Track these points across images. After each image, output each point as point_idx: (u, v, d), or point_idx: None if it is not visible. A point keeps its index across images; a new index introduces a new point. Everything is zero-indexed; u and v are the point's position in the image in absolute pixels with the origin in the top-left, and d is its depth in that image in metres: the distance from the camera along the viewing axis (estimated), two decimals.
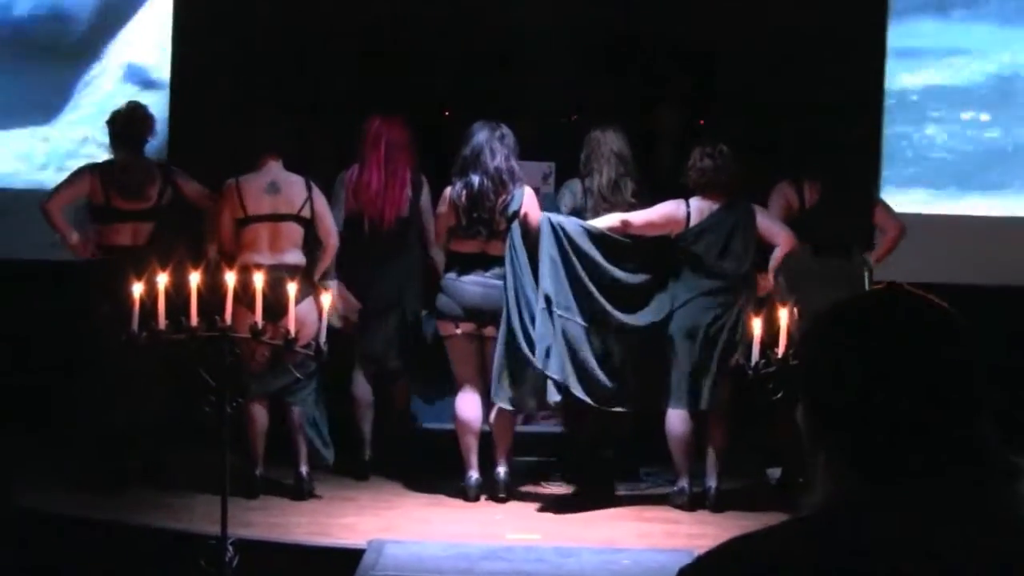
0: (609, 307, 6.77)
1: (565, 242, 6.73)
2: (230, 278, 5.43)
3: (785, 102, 8.33)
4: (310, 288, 6.50)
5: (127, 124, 7.12)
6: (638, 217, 6.85)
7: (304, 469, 6.87)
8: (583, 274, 6.75)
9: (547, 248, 6.71)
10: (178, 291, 5.42)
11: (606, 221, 6.83)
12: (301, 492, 6.82)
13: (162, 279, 5.32)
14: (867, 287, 6.31)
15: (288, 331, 5.36)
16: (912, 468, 1.47)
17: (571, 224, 6.81)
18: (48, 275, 7.60)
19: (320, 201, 6.93)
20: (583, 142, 7.20)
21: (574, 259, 6.75)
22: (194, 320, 5.24)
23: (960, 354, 1.51)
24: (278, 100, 8.26)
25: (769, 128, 8.25)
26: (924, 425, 1.48)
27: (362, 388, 7.31)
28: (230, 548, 5.18)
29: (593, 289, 6.76)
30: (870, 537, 1.44)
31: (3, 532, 5.93)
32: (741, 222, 6.82)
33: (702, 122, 8.87)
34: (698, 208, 6.87)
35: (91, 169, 7.17)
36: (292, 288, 5.58)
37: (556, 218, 6.83)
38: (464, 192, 6.86)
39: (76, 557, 5.90)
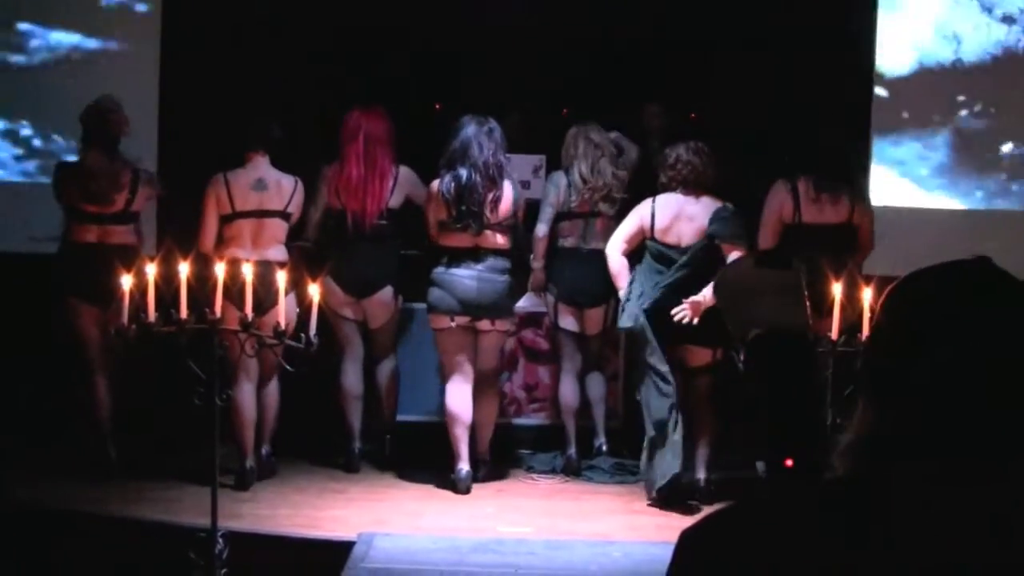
0: None
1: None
2: (219, 270, 5.43)
3: (777, 96, 8.35)
4: (292, 283, 6.48)
5: (99, 122, 7.03)
6: (620, 240, 6.86)
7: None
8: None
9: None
10: (168, 284, 5.41)
11: (620, 279, 6.86)
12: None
13: (151, 271, 5.31)
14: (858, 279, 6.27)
15: (279, 323, 5.35)
16: (970, 446, 1.44)
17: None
18: (24, 268, 7.62)
19: (299, 200, 7.03)
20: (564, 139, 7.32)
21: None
22: (184, 313, 5.23)
23: None
24: (268, 97, 8.26)
25: (759, 122, 8.26)
26: (992, 404, 1.44)
27: (352, 380, 7.31)
28: (220, 540, 5.17)
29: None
30: (904, 501, 1.42)
31: None
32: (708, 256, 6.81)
33: (694, 116, 8.88)
34: (664, 204, 6.83)
35: (60, 168, 7.17)
36: (282, 278, 5.56)
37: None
38: (452, 185, 6.86)
39: (65, 550, 5.89)
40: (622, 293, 6.83)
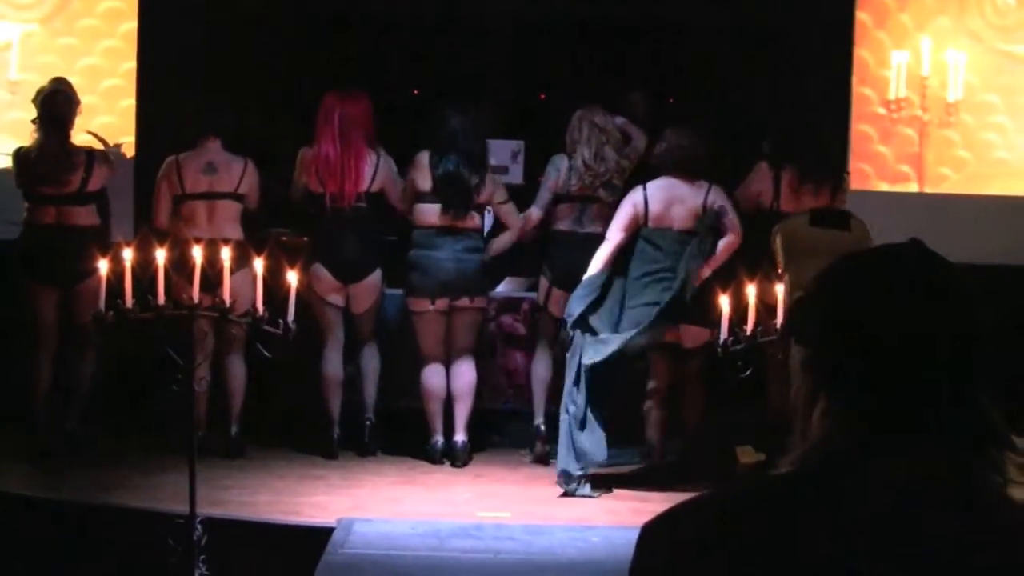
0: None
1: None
2: (197, 253, 5.41)
3: (756, 81, 8.36)
4: (246, 260, 6.42)
5: (51, 105, 7.08)
6: (613, 238, 6.84)
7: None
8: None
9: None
10: (143, 269, 5.39)
11: (598, 263, 6.82)
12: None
13: (127, 255, 5.29)
14: None
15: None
16: (912, 422, 1.44)
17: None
18: None
19: (250, 180, 7.20)
20: (567, 122, 7.27)
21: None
22: (161, 299, 5.21)
23: (971, 315, 1.47)
24: (246, 83, 8.25)
25: (738, 106, 8.26)
26: (931, 379, 1.44)
27: (332, 366, 7.31)
28: (199, 527, 5.15)
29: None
30: (864, 488, 1.42)
31: None
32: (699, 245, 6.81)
33: (671, 100, 8.89)
34: (655, 189, 6.85)
35: (16, 152, 7.19)
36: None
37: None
38: (441, 170, 7.03)
39: (42, 537, 5.87)
40: (587, 276, 6.79)
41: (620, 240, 6.83)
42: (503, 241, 7.44)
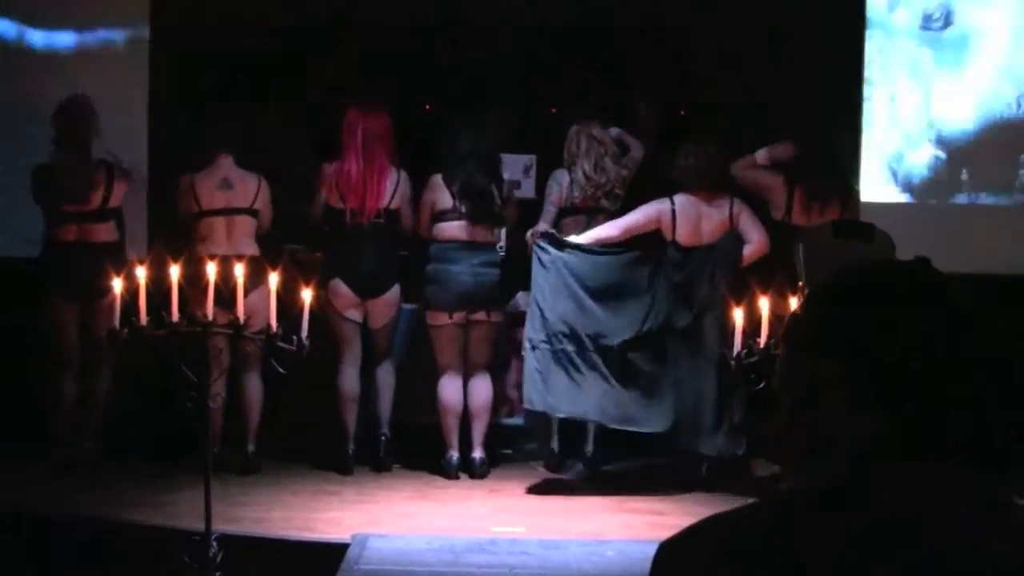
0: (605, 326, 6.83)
1: (559, 270, 6.79)
2: (212, 270, 5.42)
3: (767, 92, 8.35)
4: (262, 277, 6.41)
5: (70, 122, 7.14)
6: (618, 227, 6.90)
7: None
8: (581, 295, 6.83)
9: (539, 279, 6.82)
10: (157, 286, 5.40)
11: (588, 237, 6.87)
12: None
13: (141, 273, 5.30)
14: None
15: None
16: (917, 438, 1.44)
17: (558, 251, 6.88)
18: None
19: (264, 195, 7.27)
20: (566, 136, 7.32)
21: (571, 283, 6.82)
22: (175, 316, 5.21)
23: (973, 332, 1.46)
24: (257, 97, 8.27)
25: (749, 117, 8.25)
26: (934, 395, 1.43)
27: (349, 381, 7.32)
28: (214, 544, 5.16)
29: (594, 309, 6.81)
30: (867, 515, 1.42)
31: None
32: (721, 255, 6.84)
33: (683, 111, 8.89)
34: (683, 205, 6.94)
35: (36, 171, 7.22)
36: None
37: (545, 248, 6.88)
38: (459, 183, 7.12)
39: (60, 555, 5.88)
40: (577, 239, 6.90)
41: (620, 236, 6.92)
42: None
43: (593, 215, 7.33)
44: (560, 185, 7.37)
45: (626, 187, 7.39)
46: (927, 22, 8.35)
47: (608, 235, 6.94)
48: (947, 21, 8.34)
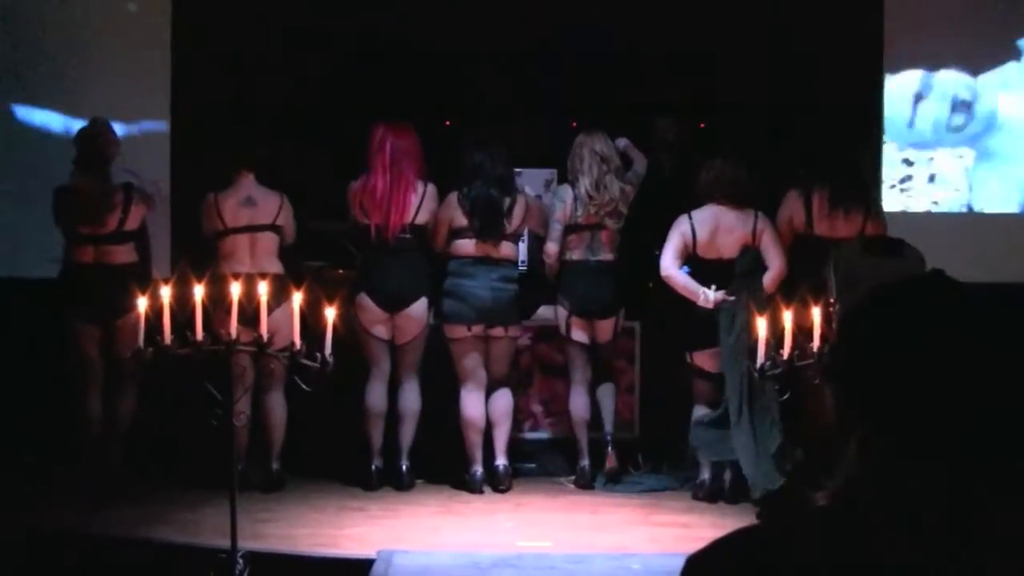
0: None
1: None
2: (235, 289, 5.45)
3: (785, 104, 8.35)
4: (286, 294, 6.43)
5: (90, 145, 7.21)
6: (671, 259, 6.97)
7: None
8: None
9: None
10: (181, 305, 5.42)
11: (682, 280, 6.97)
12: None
13: (166, 293, 5.32)
14: None
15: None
16: (946, 453, 1.44)
17: None
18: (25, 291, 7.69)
19: (287, 213, 7.30)
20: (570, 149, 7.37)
21: None
22: (199, 334, 5.24)
23: (996, 341, 1.47)
24: (276, 114, 8.32)
25: (770, 132, 8.26)
26: (962, 410, 1.44)
27: (376, 399, 7.32)
28: (240, 561, 5.17)
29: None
30: (895, 531, 1.41)
31: (10, 552, 5.93)
32: (748, 281, 6.85)
33: (703, 125, 8.89)
34: (702, 217, 6.94)
35: (56, 192, 7.27)
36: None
37: None
38: (472, 199, 7.15)
39: (86, 573, 5.90)
40: (701, 300, 6.87)
41: (672, 265, 6.96)
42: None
43: (596, 231, 7.35)
44: (564, 202, 7.37)
45: (630, 203, 7.38)
46: None
47: (671, 273, 6.95)
48: None
